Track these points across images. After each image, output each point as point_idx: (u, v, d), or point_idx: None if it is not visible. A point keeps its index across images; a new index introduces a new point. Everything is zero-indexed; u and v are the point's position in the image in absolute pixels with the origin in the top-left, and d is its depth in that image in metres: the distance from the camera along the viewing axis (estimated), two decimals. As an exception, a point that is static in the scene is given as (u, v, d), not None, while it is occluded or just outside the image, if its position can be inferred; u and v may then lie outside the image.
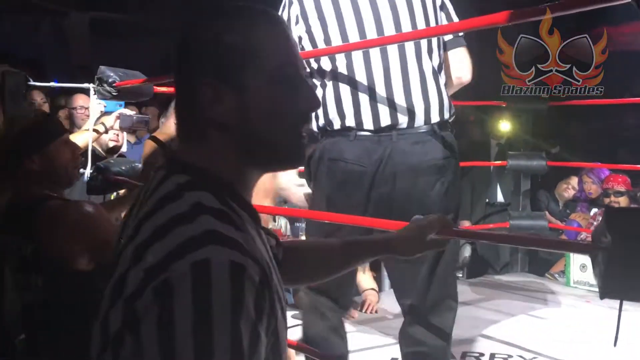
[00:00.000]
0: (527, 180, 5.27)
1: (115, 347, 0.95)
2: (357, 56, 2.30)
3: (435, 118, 2.31)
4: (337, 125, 2.33)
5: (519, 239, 2.47)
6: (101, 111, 3.67)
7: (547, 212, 5.61)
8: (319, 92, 2.35)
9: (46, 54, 9.06)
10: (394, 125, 2.28)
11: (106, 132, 3.75)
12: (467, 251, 5.43)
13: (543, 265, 5.40)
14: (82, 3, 9.66)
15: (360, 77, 2.30)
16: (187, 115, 1.11)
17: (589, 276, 4.71)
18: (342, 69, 2.31)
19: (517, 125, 5.29)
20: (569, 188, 5.97)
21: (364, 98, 2.29)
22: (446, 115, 2.34)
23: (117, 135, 3.91)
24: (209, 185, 1.03)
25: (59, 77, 7.42)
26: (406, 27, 2.29)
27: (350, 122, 2.31)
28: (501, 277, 5.17)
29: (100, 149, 3.84)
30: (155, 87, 3.51)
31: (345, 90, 2.31)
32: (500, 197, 5.74)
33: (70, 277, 2.07)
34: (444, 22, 2.40)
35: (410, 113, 2.28)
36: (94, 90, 3.46)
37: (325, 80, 2.36)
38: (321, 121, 2.36)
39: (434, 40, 2.36)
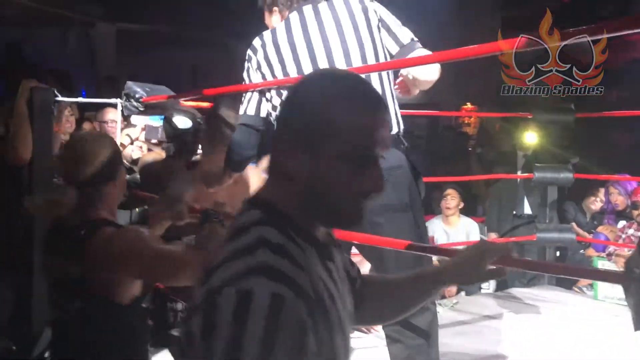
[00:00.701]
0: (553, 192, 5.21)
1: (184, 354, 1.09)
2: None
3: None
4: None
5: (560, 270, 2.58)
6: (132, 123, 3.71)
7: (574, 224, 5.56)
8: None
9: (73, 65, 9.16)
10: None
11: (131, 143, 3.79)
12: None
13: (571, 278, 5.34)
14: (109, 15, 9.77)
15: None
16: (271, 157, 1.24)
17: (617, 291, 4.65)
18: None
19: (543, 136, 5.24)
20: (597, 200, 5.92)
21: None
22: (393, 130, 2.47)
23: (141, 147, 3.95)
24: (274, 221, 1.15)
25: (87, 88, 7.51)
26: (355, 57, 2.47)
27: None
28: (528, 290, 5.11)
29: (125, 161, 3.88)
30: (181, 102, 3.53)
31: None
32: (527, 209, 5.70)
33: (108, 306, 2.04)
34: (386, 39, 2.53)
35: None
36: (122, 106, 3.49)
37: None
38: None
39: (380, 55, 2.50)
